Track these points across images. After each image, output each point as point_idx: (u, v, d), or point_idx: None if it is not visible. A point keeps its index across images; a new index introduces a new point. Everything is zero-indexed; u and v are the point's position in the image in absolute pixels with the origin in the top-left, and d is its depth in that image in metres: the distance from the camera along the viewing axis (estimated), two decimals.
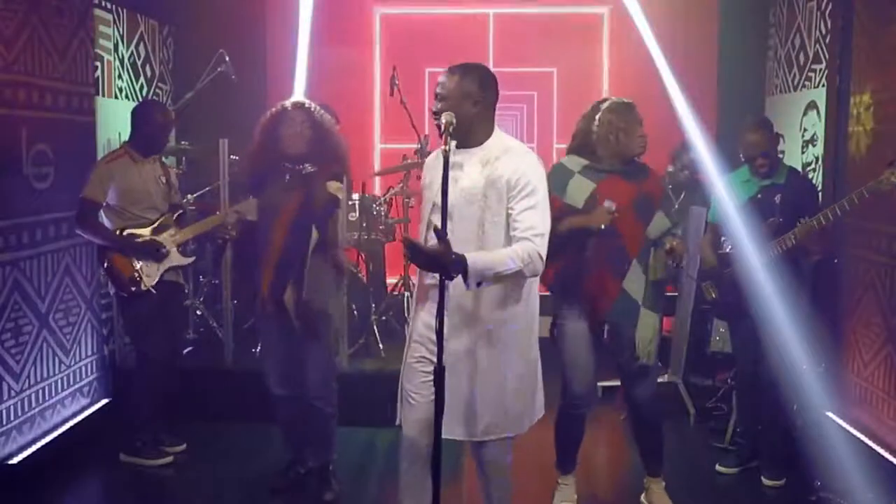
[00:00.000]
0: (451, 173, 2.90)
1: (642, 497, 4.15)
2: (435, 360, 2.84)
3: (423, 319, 3.14)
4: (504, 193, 3.02)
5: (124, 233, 4.50)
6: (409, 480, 3.18)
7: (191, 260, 4.76)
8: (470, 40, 7.00)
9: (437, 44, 6.89)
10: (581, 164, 3.85)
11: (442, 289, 2.75)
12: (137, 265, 4.48)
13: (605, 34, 7.06)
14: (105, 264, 4.52)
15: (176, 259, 4.59)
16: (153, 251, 4.51)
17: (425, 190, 3.21)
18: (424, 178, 3.25)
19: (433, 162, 3.19)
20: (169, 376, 4.69)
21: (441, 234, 2.77)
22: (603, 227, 3.64)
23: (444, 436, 2.96)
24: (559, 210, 3.73)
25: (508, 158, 3.06)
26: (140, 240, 4.50)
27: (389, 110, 6.12)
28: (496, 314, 3.07)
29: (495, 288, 3.03)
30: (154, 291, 4.50)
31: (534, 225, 2.99)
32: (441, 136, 2.88)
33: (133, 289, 4.48)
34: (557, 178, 3.80)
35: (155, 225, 4.56)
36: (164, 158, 4.91)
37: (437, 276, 2.83)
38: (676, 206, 5.17)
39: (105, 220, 4.53)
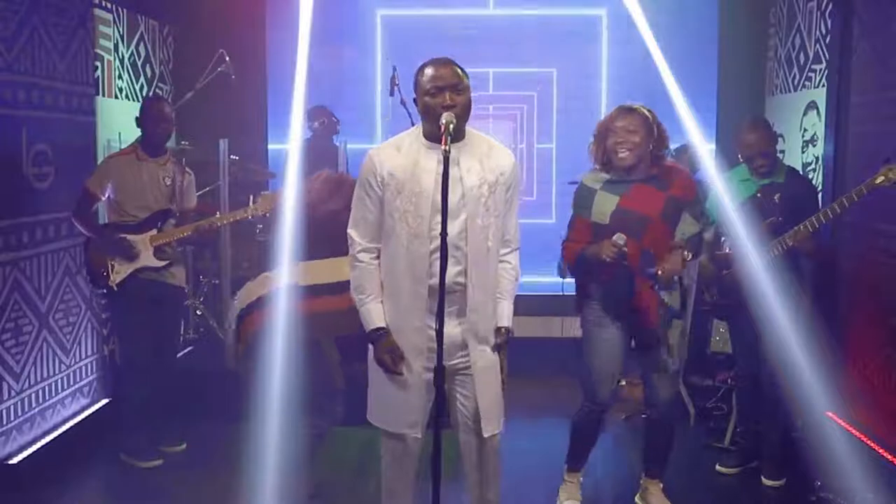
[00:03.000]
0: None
1: (637, 497, 4.14)
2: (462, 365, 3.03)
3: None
4: (504, 190, 3.06)
5: (105, 227, 4.54)
6: (407, 482, 3.19)
7: (163, 264, 4.61)
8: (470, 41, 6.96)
9: (437, 45, 6.86)
10: (602, 180, 3.82)
11: (442, 292, 2.75)
12: (111, 261, 4.50)
13: (604, 36, 7.00)
14: (84, 256, 4.60)
15: (149, 260, 4.56)
16: (122, 249, 4.50)
17: (406, 182, 2.98)
18: (395, 175, 2.99)
19: (400, 157, 3.01)
20: (155, 378, 4.64)
21: (443, 235, 2.77)
22: (608, 259, 3.61)
23: (485, 434, 3.06)
24: (588, 229, 3.77)
25: (500, 152, 3.10)
26: (115, 237, 4.50)
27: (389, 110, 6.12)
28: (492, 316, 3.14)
29: (492, 291, 3.10)
30: (115, 289, 4.50)
31: (517, 232, 3.18)
32: (441, 136, 2.82)
33: (99, 283, 4.54)
34: (581, 199, 3.83)
35: (139, 224, 4.56)
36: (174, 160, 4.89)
37: (436, 278, 2.84)
38: None
39: (106, 214, 4.59)
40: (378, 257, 3.08)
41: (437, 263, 2.87)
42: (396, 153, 3.03)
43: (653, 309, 3.75)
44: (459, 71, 2.98)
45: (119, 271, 4.52)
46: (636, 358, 3.94)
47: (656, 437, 4.09)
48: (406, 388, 3.05)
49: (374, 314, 3.06)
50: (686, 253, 3.73)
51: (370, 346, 3.12)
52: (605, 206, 3.76)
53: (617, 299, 3.79)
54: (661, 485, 4.10)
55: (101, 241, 4.52)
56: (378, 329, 3.05)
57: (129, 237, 4.52)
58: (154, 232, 4.59)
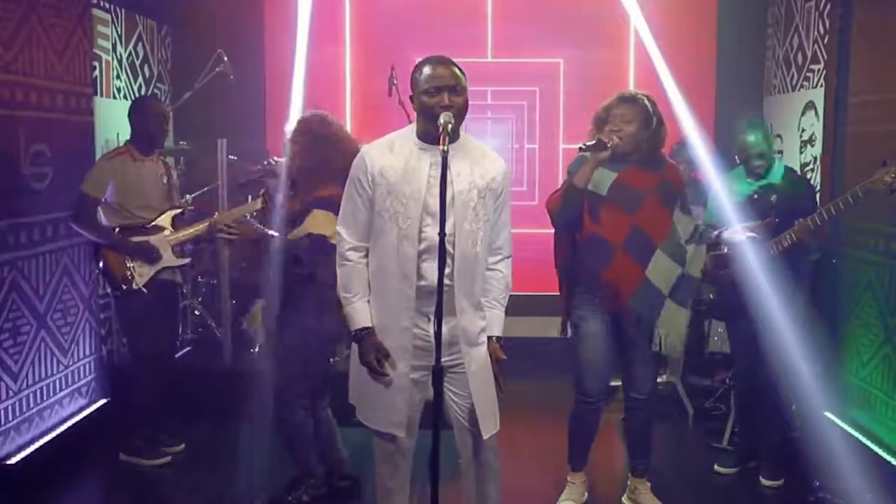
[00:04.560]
0: (435, 173, 2.88)
1: (624, 498, 4.14)
2: (451, 363, 3.01)
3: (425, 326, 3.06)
4: (494, 197, 3.05)
5: (119, 231, 4.51)
6: (401, 481, 3.20)
7: (186, 261, 4.72)
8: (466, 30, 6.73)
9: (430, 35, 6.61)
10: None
11: (440, 292, 2.75)
12: (130, 264, 4.48)
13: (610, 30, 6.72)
14: (99, 262, 4.54)
15: (170, 260, 4.58)
16: (146, 252, 4.50)
17: (397, 184, 2.96)
18: (386, 175, 2.97)
19: (392, 157, 3.00)
20: (164, 375, 4.68)
21: (441, 235, 2.76)
22: (580, 185, 3.70)
23: (485, 435, 3.05)
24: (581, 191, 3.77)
25: (491, 159, 3.10)
26: (134, 239, 4.50)
27: (388, 109, 6.11)
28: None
29: (478, 295, 3.10)
30: (145, 291, 4.49)
31: (508, 238, 3.17)
32: (440, 136, 2.82)
33: (124, 287, 4.49)
34: (578, 167, 3.82)
35: (151, 224, 4.56)
36: (164, 159, 4.91)
37: (431, 278, 2.86)
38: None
39: (102, 216, 4.54)
40: (366, 256, 3.07)
41: (426, 265, 2.92)
42: (389, 153, 3.02)
43: (626, 284, 3.76)
44: (458, 71, 2.97)
45: (142, 273, 4.50)
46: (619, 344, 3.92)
47: (634, 431, 4.10)
48: (390, 388, 3.04)
49: (361, 314, 3.05)
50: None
51: (355, 346, 3.10)
52: (603, 178, 3.78)
53: (591, 267, 3.80)
54: (649, 483, 4.10)
55: (120, 245, 4.49)
56: (364, 329, 3.04)
57: (150, 238, 4.53)
58: (168, 231, 4.60)
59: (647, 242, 3.77)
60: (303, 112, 4.47)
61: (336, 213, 3.26)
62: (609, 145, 3.67)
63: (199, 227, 4.62)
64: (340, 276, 3.10)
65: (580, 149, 3.73)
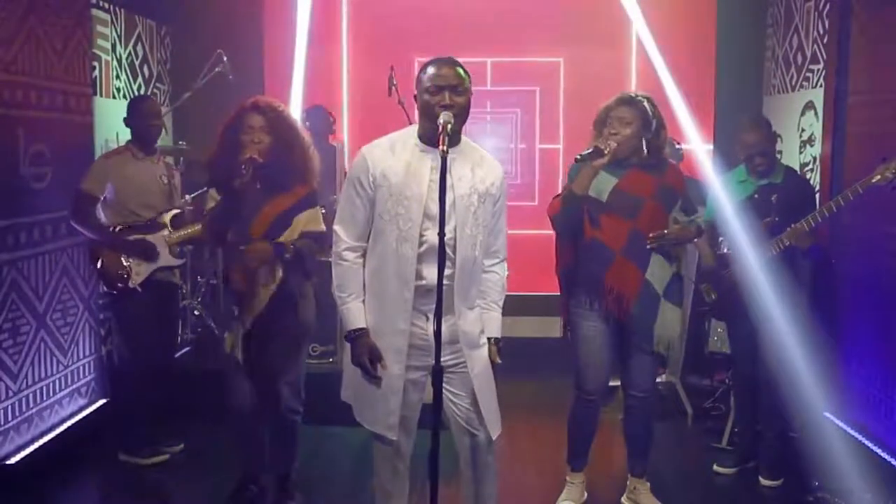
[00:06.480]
0: (436, 176, 2.85)
1: (623, 498, 4.14)
2: (451, 363, 3.01)
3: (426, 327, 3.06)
4: (492, 202, 3.07)
5: (117, 229, 4.50)
6: (401, 482, 3.20)
7: (181, 262, 4.70)
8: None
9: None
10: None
11: (440, 293, 2.74)
12: (126, 262, 4.48)
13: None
14: (95, 260, 4.54)
15: (166, 259, 4.57)
16: (144, 250, 4.49)
17: (399, 185, 2.96)
18: (388, 176, 2.97)
19: (393, 159, 3.00)
20: (160, 376, 4.66)
21: (440, 235, 2.76)
22: (579, 192, 3.68)
23: (493, 436, 3.07)
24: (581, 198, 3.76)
25: (490, 164, 3.10)
26: (132, 237, 4.50)
27: (387, 109, 6.11)
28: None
29: (474, 299, 3.12)
30: (140, 290, 4.48)
31: (504, 244, 3.19)
32: (439, 136, 2.81)
33: (120, 285, 4.48)
34: (577, 173, 3.81)
35: (149, 224, 4.56)
36: (165, 160, 4.90)
37: (430, 279, 2.88)
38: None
39: (102, 215, 4.54)
40: (362, 256, 3.07)
41: (425, 267, 2.93)
42: (390, 154, 3.01)
43: (628, 289, 3.76)
44: (462, 72, 2.97)
45: (139, 272, 4.50)
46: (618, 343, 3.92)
47: (633, 431, 4.08)
48: (385, 390, 3.04)
49: (356, 314, 3.05)
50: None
51: (348, 346, 3.10)
52: (603, 184, 3.77)
53: (592, 272, 3.80)
54: (649, 483, 4.10)
55: (118, 242, 4.49)
56: (358, 329, 3.04)
57: (148, 236, 4.52)
58: (166, 231, 4.59)
59: (647, 246, 3.78)
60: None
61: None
62: (606, 152, 3.65)
63: (198, 228, 4.62)
64: (336, 275, 3.09)
65: (576, 159, 3.72)
